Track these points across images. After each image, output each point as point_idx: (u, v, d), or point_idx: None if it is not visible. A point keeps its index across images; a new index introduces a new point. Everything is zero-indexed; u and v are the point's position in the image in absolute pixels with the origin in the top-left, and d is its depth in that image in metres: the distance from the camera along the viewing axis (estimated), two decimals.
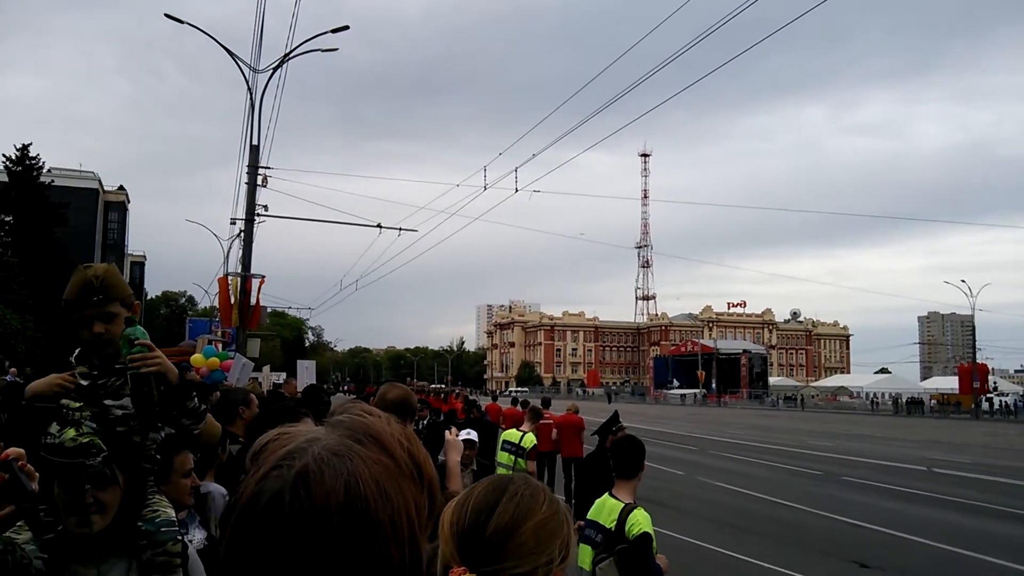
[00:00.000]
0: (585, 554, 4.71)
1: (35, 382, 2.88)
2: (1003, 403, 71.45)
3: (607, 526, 4.59)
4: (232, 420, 4.95)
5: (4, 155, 52.80)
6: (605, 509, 4.71)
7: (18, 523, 2.39)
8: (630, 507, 4.59)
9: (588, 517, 4.86)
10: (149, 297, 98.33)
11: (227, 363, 11.43)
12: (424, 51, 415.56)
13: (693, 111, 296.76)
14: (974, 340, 75.74)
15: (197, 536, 3.41)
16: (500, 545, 1.51)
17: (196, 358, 10.80)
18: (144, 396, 2.80)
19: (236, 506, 0.90)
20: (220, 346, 15.90)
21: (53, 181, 56.67)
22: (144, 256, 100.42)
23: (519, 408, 17.04)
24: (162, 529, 2.63)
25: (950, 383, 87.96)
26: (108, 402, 2.81)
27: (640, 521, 4.50)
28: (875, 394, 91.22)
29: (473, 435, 7.42)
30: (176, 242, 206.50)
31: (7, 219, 50.92)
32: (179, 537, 2.72)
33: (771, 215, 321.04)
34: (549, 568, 1.53)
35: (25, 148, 52.56)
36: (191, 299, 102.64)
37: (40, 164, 53.62)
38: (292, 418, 3.27)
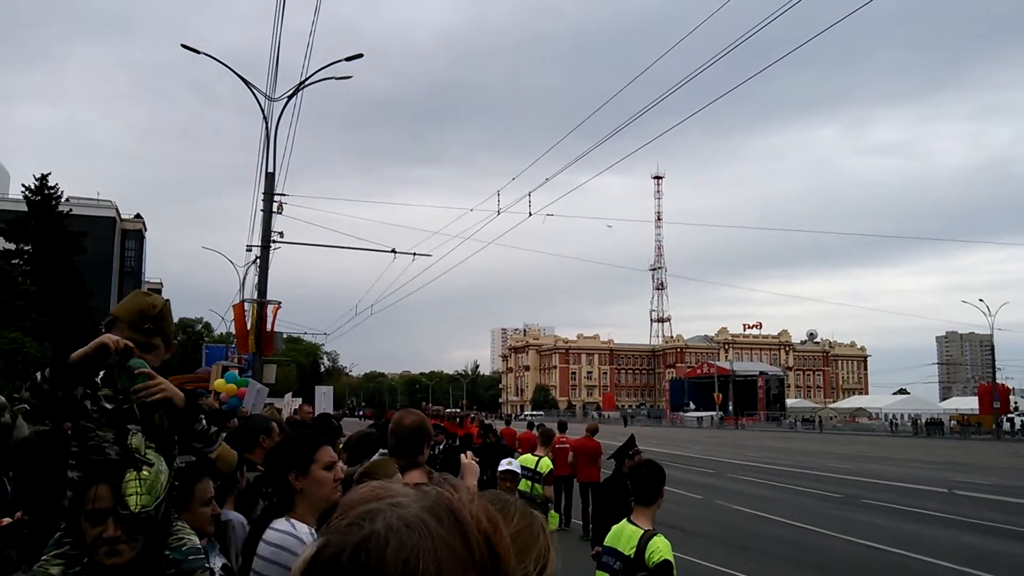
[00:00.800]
0: None
1: (78, 351, 2.80)
2: None
3: (626, 553, 4.52)
4: (252, 448, 4.92)
5: (24, 185, 53.71)
6: (624, 536, 4.63)
7: (45, 557, 2.39)
8: (650, 534, 4.52)
9: (606, 544, 4.78)
10: None
11: (242, 390, 11.50)
12: (438, 77, 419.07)
13: (706, 132, 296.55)
14: (993, 360, 75.05)
15: (216, 564, 3.41)
16: None
17: (219, 383, 10.89)
18: (154, 424, 2.81)
19: (300, 562, 0.90)
20: (239, 372, 16.00)
21: (71, 210, 57.45)
22: (161, 283, 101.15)
23: (533, 432, 17.00)
24: (190, 557, 2.64)
25: (970, 403, 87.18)
26: (130, 427, 2.82)
27: (661, 548, 4.42)
28: (894, 415, 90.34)
29: (515, 466, 7.08)
30: (192, 269, 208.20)
31: (26, 248, 51.59)
32: (207, 565, 2.73)
33: (786, 236, 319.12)
34: None
35: (44, 178, 53.31)
36: (208, 325, 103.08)
37: (58, 194, 54.39)
38: (313, 445, 3.28)
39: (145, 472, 2.60)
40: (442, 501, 0.92)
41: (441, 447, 13.72)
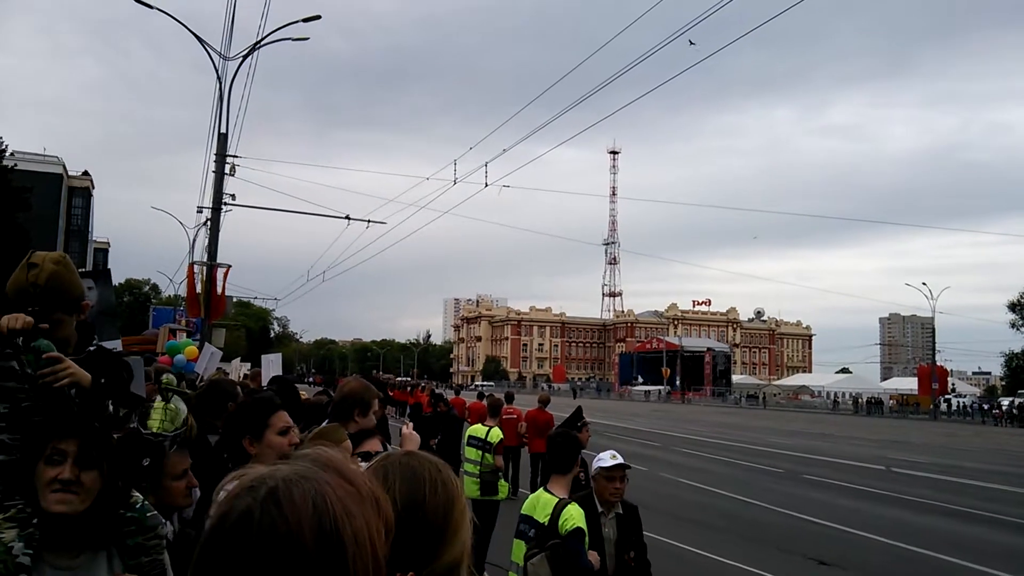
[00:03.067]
0: (519, 549, 4.70)
1: None
2: (960, 404, 72.96)
3: (541, 521, 4.58)
4: (219, 414, 4.89)
5: None
6: (540, 504, 4.69)
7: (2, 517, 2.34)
8: (564, 502, 4.58)
9: (522, 512, 4.84)
10: (112, 285, 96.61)
11: (164, 358, 11.35)
12: (396, 40, 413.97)
13: (662, 108, 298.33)
14: (934, 342, 77.04)
15: (166, 529, 3.39)
16: None
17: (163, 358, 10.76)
18: (62, 406, 2.74)
19: (205, 530, 0.93)
20: (184, 335, 15.77)
21: (16, 165, 55.54)
22: (108, 243, 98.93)
23: (483, 402, 17.06)
24: (148, 514, 2.62)
25: (909, 384, 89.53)
26: (72, 392, 2.76)
27: (574, 516, 4.48)
28: (836, 393, 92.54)
29: (619, 457, 5.13)
30: (141, 228, 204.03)
31: None
32: (164, 522, 2.72)
33: (738, 214, 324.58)
34: None
35: None
36: (155, 287, 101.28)
37: (3, 147, 52.61)
38: (267, 410, 3.25)
39: (171, 405, 2.74)
40: (320, 456, 0.99)
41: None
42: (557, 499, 4.61)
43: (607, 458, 5.08)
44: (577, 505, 4.60)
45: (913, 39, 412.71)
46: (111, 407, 2.83)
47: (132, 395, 2.83)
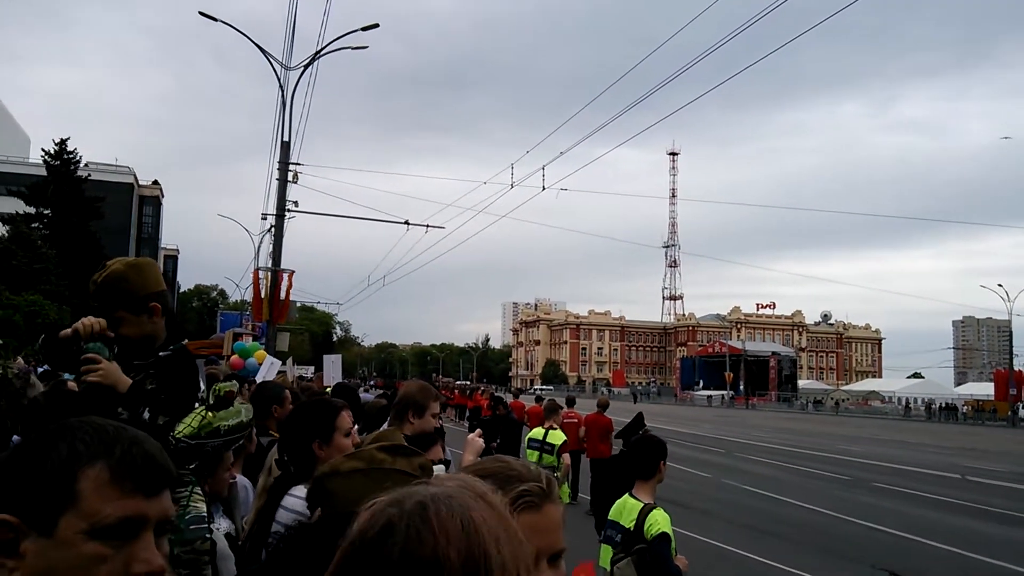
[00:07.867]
0: (606, 554, 4.72)
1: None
2: None
3: (626, 526, 4.61)
4: (266, 416, 4.98)
5: (43, 150, 53.83)
6: (626, 509, 4.72)
7: None
8: (649, 507, 4.60)
9: (609, 517, 4.88)
10: (182, 290, 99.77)
11: (236, 359, 11.57)
12: (453, 45, 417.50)
13: (725, 107, 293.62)
14: (1011, 345, 74.60)
15: (222, 525, 3.41)
16: None
17: (234, 359, 11.01)
18: (98, 405, 2.79)
19: (348, 540, 0.91)
20: (249, 339, 16.03)
21: (89, 175, 57.58)
22: (177, 250, 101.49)
23: (541, 406, 17.01)
24: (191, 527, 2.60)
25: (985, 389, 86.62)
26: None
27: (659, 521, 4.50)
28: (907, 399, 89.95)
29: None
30: (208, 235, 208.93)
31: (45, 212, 51.87)
32: (207, 536, 2.70)
33: (804, 215, 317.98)
34: None
35: (63, 143, 53.40)
36: (223, 292, 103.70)
37: (77, 158, 54.54)
38: (333, 411, 3.27)
39: (209, 415, 2.71)
40: (466, 480, 0.98)
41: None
42: (642, 504, 4.65)
43: None
44: (662, 510, 4.62)
45: (990, 27, 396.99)
46: (147, 414, 2.78)
47: (175, 403, 2.81)
